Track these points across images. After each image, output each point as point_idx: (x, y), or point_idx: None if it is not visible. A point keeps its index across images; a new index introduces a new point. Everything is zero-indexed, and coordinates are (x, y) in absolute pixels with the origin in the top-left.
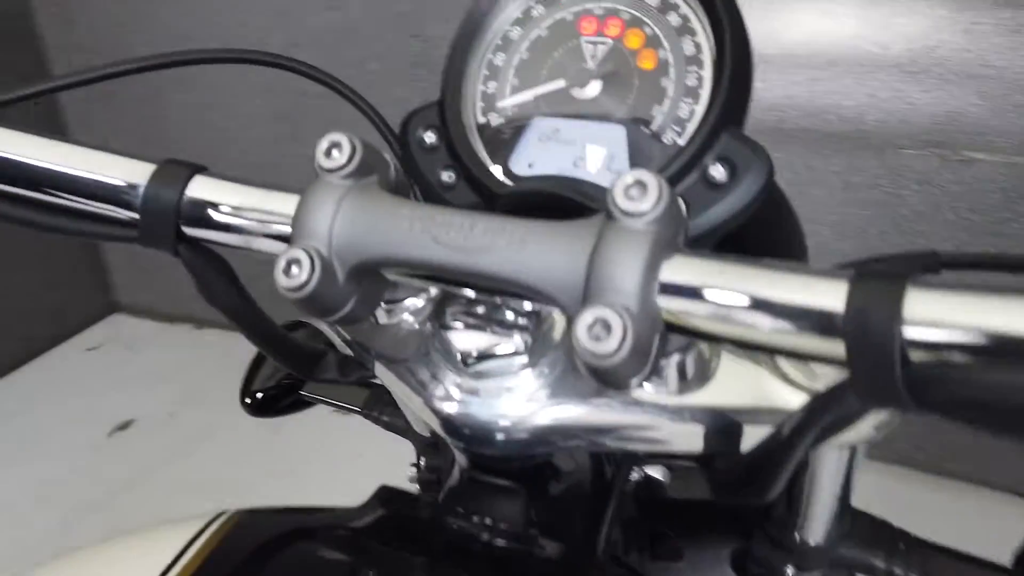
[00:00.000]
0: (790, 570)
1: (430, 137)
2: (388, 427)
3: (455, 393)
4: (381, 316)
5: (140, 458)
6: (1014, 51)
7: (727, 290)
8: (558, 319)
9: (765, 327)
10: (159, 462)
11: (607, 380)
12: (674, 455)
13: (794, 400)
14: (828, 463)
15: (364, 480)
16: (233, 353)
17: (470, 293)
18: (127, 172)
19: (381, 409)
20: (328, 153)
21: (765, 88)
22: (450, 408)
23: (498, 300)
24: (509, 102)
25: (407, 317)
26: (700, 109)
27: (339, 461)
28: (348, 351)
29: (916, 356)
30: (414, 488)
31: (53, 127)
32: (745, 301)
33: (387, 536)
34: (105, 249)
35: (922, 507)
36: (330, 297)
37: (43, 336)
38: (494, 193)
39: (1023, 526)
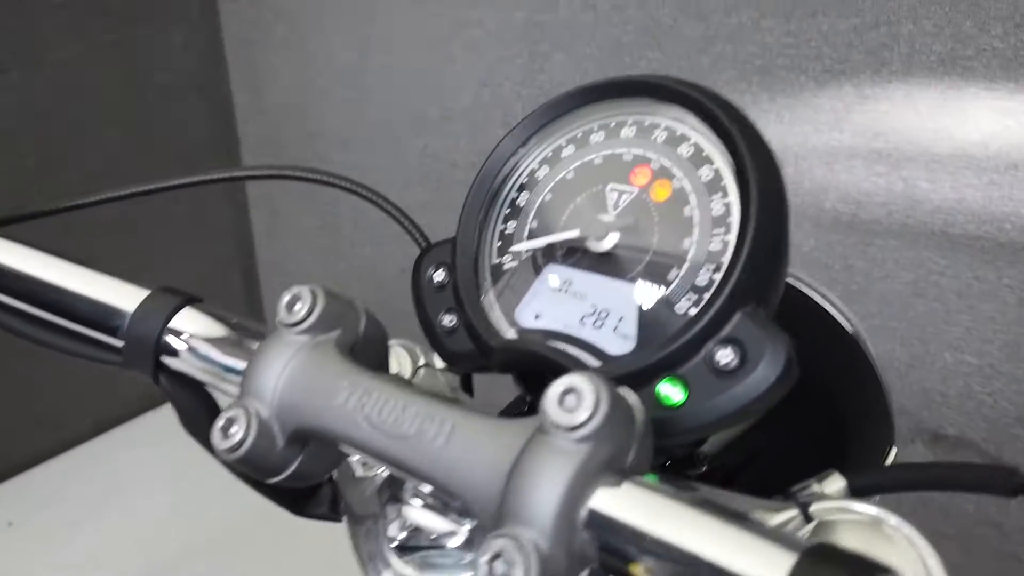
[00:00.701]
0: None
1: (439, 276)
2: None
3: None
4: (358, 468)
5: None
6: None
7: (661, 538)
8: None
9: None
10: None
11: None
12: None
13: None
14: None
15: None
16: None
17: None
18: (118, 297)
19: None
20: (289, 307)
21: (933, 189)
22: None
23: None
24: (524, 246)
25: (384, 473)
26: (719, 279)
27: None
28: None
29: None
30: None
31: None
32: (678, 554)
33: None
34: None
35: None
36: (269, 460)
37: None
38: (489, 345)
39: None
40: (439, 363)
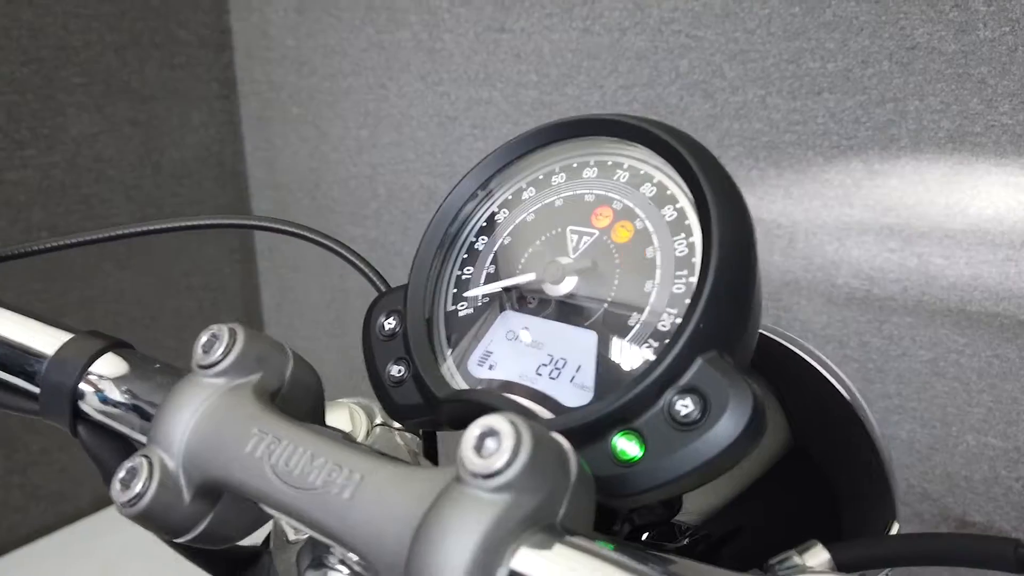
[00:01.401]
0: None
1: (391, 323)
2: None
3: None
4: (289, 531)
5: None
6: None
7: None
8: None
9: None
10: None
11: None
12: None
13: None
14: None
15: None
16: None
17: None
18: (38, 339)
19: None
20: (207, 348)
21: (947, 265)
22: None
23: None
24: (478, 291)
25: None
26: (680, 323)
27: None
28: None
29: None
30: None
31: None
32: None
33: None
34: None
35: None
36: (173, 516)
37: None
38: (436, 397)
39: None
40: (397, 424)
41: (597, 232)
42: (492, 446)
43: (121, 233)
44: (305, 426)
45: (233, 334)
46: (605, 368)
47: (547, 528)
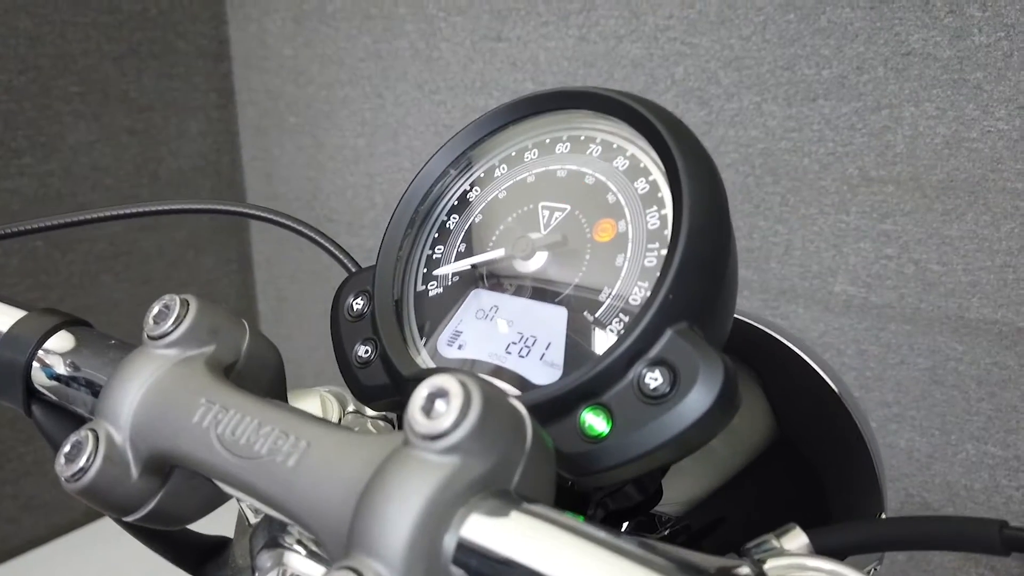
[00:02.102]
0: None
1: (359, 304)
2: None
3: None
4: (251, 515)
5: None
6: None
7: (535, 570)
8: None
9: None
10: None
11: None
12: None
13: None
14: None
15: None
16: None
17: None
18: None
19: None
20: (158, 319)
21: (945, 272)
22: None
23: None
24: (448, 269)
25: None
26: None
27: None
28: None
29: None
30: None
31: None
32: None
33: None
34: None
35: None
36: (120, 492)
37: None
38: (402, 376)
39: None
40: (371, 411)
41: (568, 207)
42: (441, 408)
43: (81, 219)
44: (255, 397)
45: (185, 304)
46: (575, 345)
47: (501, 494)
